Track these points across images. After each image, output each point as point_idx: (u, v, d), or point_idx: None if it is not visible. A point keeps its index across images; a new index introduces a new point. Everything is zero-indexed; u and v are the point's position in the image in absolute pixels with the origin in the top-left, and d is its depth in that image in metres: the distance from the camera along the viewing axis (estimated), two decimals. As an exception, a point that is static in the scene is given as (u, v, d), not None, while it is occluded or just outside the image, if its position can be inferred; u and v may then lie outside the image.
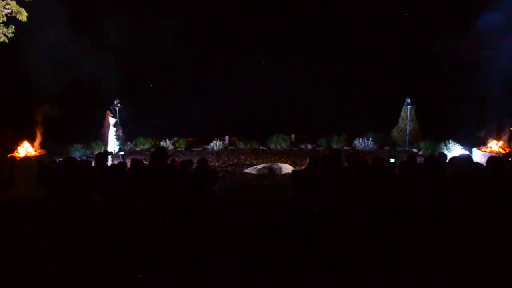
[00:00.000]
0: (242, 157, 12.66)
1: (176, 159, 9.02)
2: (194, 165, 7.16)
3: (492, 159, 4.92)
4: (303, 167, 10.74)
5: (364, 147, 13.62)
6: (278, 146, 13.89)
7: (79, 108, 13.67)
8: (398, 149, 13.45)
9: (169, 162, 6.43)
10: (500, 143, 11.07)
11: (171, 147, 13.70)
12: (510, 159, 8.37)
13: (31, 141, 11.25)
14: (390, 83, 15.17)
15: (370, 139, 13.75)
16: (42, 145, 11.77)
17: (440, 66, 14.29)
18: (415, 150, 13.08)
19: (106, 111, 14.12)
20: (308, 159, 7.43)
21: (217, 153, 13.29)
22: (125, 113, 13.66)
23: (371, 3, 15.52)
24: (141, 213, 4.81)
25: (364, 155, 12.09)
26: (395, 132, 14.33)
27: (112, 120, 11.87)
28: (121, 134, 13.03)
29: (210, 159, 12.15)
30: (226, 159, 12.53)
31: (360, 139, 13.83)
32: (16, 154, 10.69)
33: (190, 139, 14.59)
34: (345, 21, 15.78)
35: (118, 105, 13.76)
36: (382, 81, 15.51)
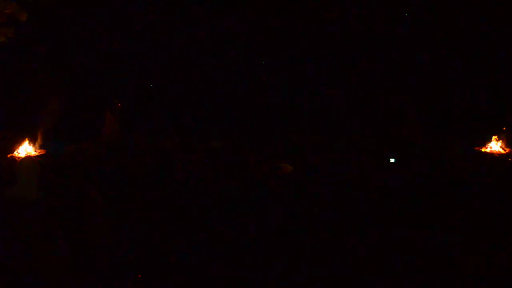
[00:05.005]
0: (243, 156, 12.60)
1: (176, 159, 9.00)
2: (194, 165, 7.17)
3: (492, 159, 4.92)
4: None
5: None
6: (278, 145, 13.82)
7: (79, 107, 13.61)
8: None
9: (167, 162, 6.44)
10: (500, 143, 11.03)
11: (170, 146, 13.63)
12: (510, 159, 8.37)
13: (31, 141, 11.20)
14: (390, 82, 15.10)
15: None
16: (42, 145, 11.71)
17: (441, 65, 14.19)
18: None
19: (106, 111, 14.06)
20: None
21: (217, 153, 13.21)
22: (125, 112, 13.58)
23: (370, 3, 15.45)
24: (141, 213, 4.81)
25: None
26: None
27: None
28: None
29: (210, 159, 12.11)
30: (227, 158, 12.48)
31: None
32: (16, 154, 10.64)
33: (190, 138, 14.49)
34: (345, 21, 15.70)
35: (118, 105, 13.67)
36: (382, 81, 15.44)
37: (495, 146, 11.15)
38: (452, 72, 10.48)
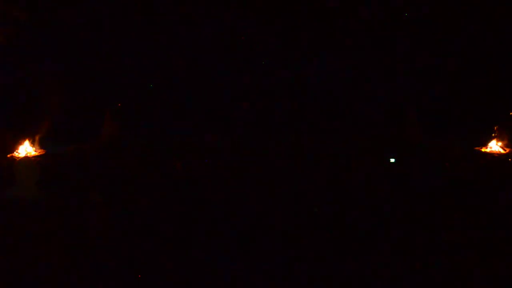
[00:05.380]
0: (244, 156, 12.55)
1: (176, 159, 8.99)
2: (194, 165, 7.17)
3: (492, 159, 4.93)
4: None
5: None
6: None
7: (79, 107, 13.55)
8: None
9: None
10: (500, 143, 11.00)
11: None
12: (510, 159, 8.36)
13: (31, 141, 11.18)
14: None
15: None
16: (42, 145, 11.67)
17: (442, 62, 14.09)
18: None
19: (106, 111, 14.01)
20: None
21: (218, 152, 13.15)
22: (125, 112, 13.52)
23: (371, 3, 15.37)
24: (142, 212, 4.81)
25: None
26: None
27: None
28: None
29: (210, 159, 12.08)
30: (227, 158, 12.44)
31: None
32: (16, 154, 10.63)
33: (190, 138, 14.40)
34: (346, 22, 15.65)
35: (118, 105, 13.63)
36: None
37: (495, 146, 11.14)
38: (452, 72, 10.47)
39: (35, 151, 11.12)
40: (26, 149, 10.94)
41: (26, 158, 3.63)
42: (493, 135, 10.14)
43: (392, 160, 6.90)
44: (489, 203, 4.96)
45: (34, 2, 8.22)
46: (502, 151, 10.90)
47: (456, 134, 9.88)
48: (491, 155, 8.54)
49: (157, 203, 5.34)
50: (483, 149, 11.13)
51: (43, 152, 11.21)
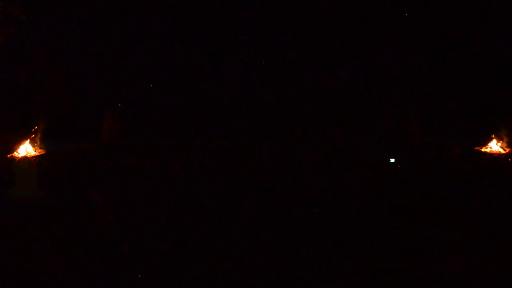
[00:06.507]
0: (244, 156, 12.56)
1: (175, 158, 9.00)
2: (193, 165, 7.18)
3: (492, 159, 4.94)
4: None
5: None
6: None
7: (79, 107, 13.53)
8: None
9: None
10: (500, 143, 11.01)
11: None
12: (510, 159, 8.36)
13: (32, 141, 11.19)
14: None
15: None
16: (42, 145, 11.69)
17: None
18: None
19: (106, 111, 14.02)
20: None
21: (219, 152, 13.15)
22: (125, 112, 13.53)
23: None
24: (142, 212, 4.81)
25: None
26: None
27: None
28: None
29: (210, 159, 12.09)
30: (228, 158, 12.43)
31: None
32: (16, 154, 10.63)
33: (190, 138, 14.38)
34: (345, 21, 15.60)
35: (118, 105, 13.63)
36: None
37: (495, 146, 11.14)
38: (452, 72, 10.47)
39: (35, 151, 11.12)
40: (26, 149, 10.94)
41: (25, 158, 3.65)
42: (492, 136, 10.16)
43: (392, 160, 6.90)
44: (489, 203, 4.96)
45: (34, 2, 8.21)
46: (502, 151, 10.90)
47: (456, 134, 9.88)
48: (491, 155, 8.55)
49: (156, 202, 5.34)
50: (483, 149, 11.14)
51: (43, 152, 11.21)
